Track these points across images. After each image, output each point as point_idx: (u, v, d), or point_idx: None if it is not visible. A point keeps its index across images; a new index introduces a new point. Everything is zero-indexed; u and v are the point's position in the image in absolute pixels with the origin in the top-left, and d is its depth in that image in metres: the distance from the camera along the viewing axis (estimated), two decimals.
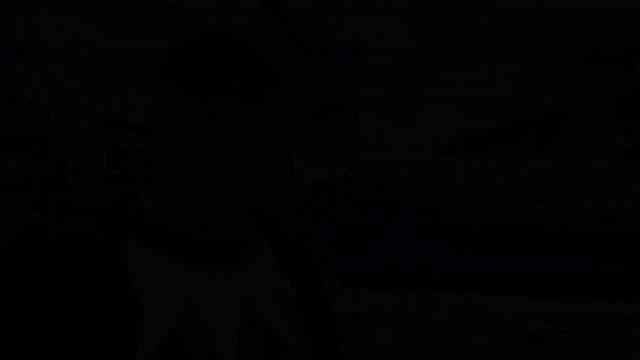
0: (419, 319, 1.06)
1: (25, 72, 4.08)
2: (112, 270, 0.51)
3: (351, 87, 4.03)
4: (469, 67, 11.80)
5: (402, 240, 1.53)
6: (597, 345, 1.01)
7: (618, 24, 8.25)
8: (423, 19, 8.68)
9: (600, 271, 1.43)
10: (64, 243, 0.51)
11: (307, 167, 1.55)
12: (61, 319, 0.47)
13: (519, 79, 12.48)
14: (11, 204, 3.96)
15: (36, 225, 0.54)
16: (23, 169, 3.97)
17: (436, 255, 1.51)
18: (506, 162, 1.47)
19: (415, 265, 1.53)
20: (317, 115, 3.92)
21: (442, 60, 10.66)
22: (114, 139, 5.66)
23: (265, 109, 0.59)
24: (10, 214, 3.94)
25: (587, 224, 1.42)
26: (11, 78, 3.94)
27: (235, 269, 0.59)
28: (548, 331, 1.02)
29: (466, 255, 1.50)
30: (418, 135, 22.51)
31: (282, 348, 0.58)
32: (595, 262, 1.43)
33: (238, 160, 0.56)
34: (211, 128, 0.55)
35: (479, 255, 1.49)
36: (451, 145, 8.17)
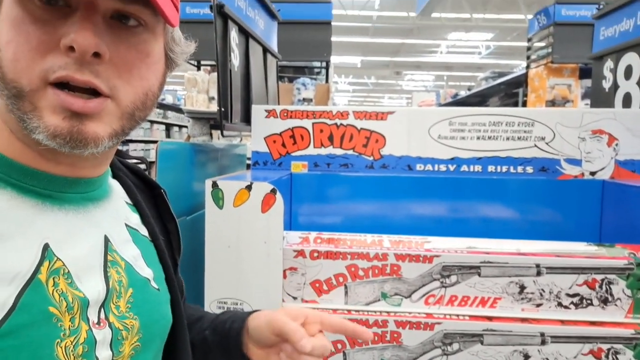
0: (358, 254, 1.13)
1: None
2: None
3: (324, 50, 4.02)
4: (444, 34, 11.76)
5: (355, 189, 1.60)
6: (519, 274, 1.10)
7: None
8: None
9: (538, 217, 1.53)
10: None
11: (264, 118, 1.58)
12: None
13: (493, 45, 12.51)
14: None
15: None
16: None
17: (385, 203, 1.58)
18: (453, 113, 1.53)
19: (367, 212, 1.60)
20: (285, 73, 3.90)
21: (418, 26, 10.61)
22: None
23: (142, 39, 0.48)
24: None
25: (526, 171, 1.51)
26: None
27: (93, 208, 0.53)
28: (476, 262, 1.10)
29: (414, 203, 1.58)
30: (394, 103, 22.48)
31: (145, 285, 0.57)
32: (532, 208, 1.53)
33: (105, 107, 0.45)
34: (69, 58, 0.43)
35: (426, 202, 1.57)
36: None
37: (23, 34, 0.43)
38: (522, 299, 1.10)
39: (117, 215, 0.58)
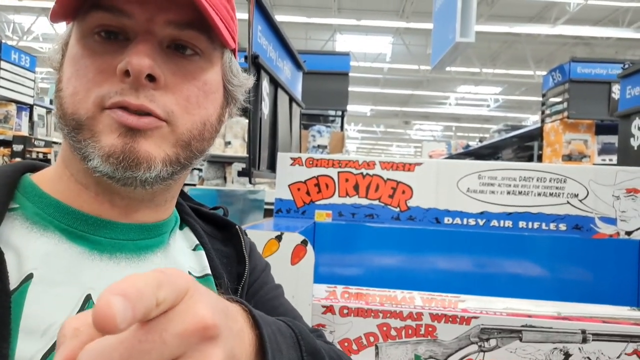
0: (391, 312, 1.07)
1: (10, 71, 4.05)
2: None
3: (340, 99, 4.09)
4: (454, 87, 12.02)
5: (380, 240, 1.55)
6: (563, 340, 1.03)
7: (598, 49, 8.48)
8: (410, 37, 8.85)
9: (571, 276, 1.47)
10: None
11: (289, 166, 1.57)
12: None
13: (503, 99, 12.74)
14: None
15: None
16: None
17: (410, 256, 1.53)
18: (482, 167, 1.51)
19: (392, 265, 1.55)
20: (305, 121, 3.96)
21: (428, 79, 10.87)
22: None
23: (199, 67, 0.47)
24: None
25: (559, 228, 1.46)
26: None
27: (149, 257, 0.49)
28: (517, 325, 1.04)
29: (441, 257, 1.53)
30: (402, 151, 22.68)
31: None
32: (565, 267, 1.47)
33: (159, 129, 0.44)
34: (125, 84, 0.42)
35: (454, 257, 1.52)
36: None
37: (82, 68, 0.43)
38: None
39: (177, 263, 0.53)
